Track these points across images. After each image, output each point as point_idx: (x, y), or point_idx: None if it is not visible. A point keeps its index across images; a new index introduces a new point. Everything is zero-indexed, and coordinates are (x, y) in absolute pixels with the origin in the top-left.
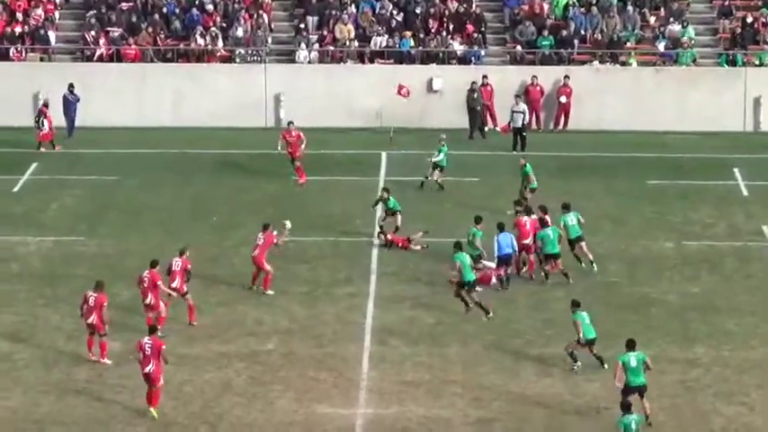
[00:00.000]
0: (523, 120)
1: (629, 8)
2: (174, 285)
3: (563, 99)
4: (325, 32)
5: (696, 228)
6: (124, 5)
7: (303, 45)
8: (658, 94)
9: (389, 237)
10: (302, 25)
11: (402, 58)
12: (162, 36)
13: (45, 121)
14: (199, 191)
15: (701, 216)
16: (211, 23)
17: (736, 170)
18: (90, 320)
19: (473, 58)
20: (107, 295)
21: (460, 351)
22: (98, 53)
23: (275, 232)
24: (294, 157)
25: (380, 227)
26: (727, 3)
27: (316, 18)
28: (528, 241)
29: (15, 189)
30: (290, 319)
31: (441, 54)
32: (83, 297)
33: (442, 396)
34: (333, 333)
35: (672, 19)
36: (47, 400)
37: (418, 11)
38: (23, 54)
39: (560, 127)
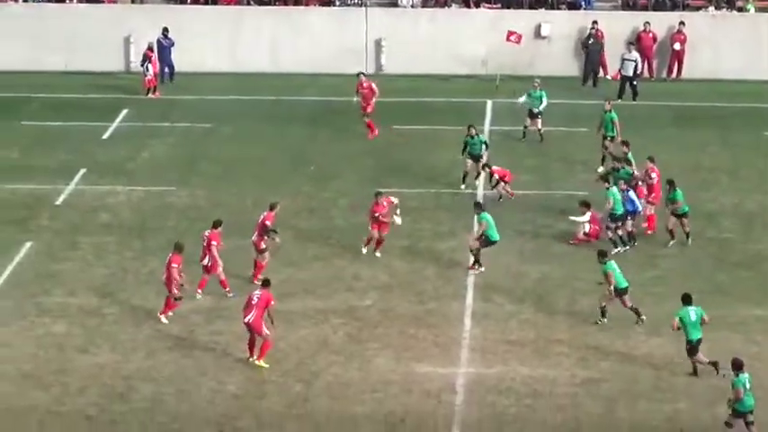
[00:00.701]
0: (635, 69)
1: None
2: (252, 239)
3: (677, 46)
4: None
5: None
6: None
7: None
8: None
9: (494, 168)
10: None
11: (509, 2)
12: None
13: (150, 66)
14: (295, 140)
15: None
16: None
17: None
18: (163, 277)
19: (583, 3)
20: (181, 256)
21: (567, 309)
22: None
23: (396, 206)
24: (365, 112)
25: (483, 165)
26: None
27: None
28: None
29: (105, 136)
30: (389, 273)
31: None
32: None
33: (548, 355)
34: (434, 289)
35: None
36: (136, 356)
37: None
38: None
39: (673, 75)
